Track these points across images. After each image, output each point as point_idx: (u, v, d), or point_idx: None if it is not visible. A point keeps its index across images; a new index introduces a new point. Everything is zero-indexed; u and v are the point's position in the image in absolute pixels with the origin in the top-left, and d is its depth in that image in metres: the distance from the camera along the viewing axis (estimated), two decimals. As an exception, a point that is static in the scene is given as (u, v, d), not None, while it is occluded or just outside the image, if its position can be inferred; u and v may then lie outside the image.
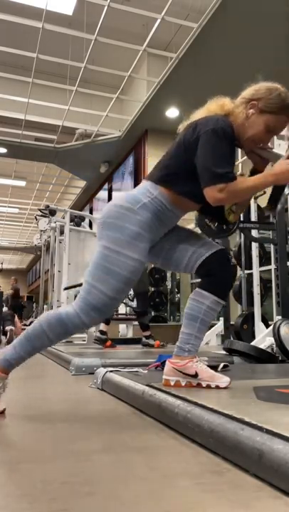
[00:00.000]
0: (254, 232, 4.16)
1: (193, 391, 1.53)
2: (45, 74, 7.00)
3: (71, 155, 8.87)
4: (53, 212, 6.65)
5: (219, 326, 4.67)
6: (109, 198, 9.71)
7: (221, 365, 2.15)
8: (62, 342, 5.75)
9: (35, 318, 13.90)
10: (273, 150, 1.65)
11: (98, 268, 1.51)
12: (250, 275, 4.23)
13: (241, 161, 4.51)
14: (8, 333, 7.61)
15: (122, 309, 6.40)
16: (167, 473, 0.97)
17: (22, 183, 12.06)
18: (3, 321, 7.67)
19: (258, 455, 0.92)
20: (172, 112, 7.34)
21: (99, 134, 8.25)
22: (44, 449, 1.17)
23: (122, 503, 0.82)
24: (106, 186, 10.08)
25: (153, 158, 7.78)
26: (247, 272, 4.40)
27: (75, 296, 5.92)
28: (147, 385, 1.63)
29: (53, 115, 7.92)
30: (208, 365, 1.64)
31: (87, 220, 7.44)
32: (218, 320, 4.68)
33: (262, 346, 3.21)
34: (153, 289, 7.36)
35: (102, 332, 4.40)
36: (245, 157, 1.70)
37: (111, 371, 2.10)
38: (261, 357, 2.84)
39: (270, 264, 4.37)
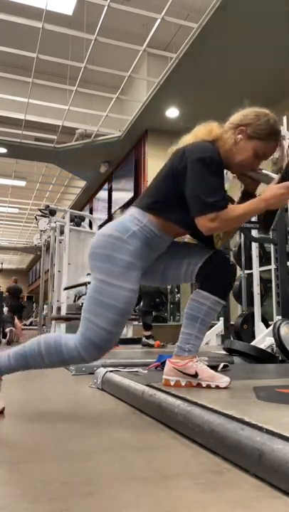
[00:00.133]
0: (254, 232, 4.16)
1: (193, 391, 1.53)
2: (45, 74, 7.00)
3: (71, 155, 8.87)
4: (53, 212, 6.65)
5: (219, 326, 4.67)
6: (109, 198, 9.71)
7: (221, 365, 2.15)
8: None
9: (35, 318, 13.92)
10: (263, 171, 1.64)
11: (93, 302, 1.50)
12: (250, 275, 4.23)
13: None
14: (8, 333, 7.61)
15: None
16: (167, 473, 0.97)
17: (22, 183, 12.07)
18: (3, 323, 7.68)
19: (258, 455, 0.92)
20: (172, 112, 7.34)
21: (99, 134, 8.25)
22: (44, 449, 1.17)
23: (122, 503, 0.82)
24: (106, 186, 10.08)
25: (153, 158, 7.78)
26: (247, 272, 4.40)
27: (75, 296, 5.95)
28: (147, 385, 1.63)
29: (53, 115, 7.92)
30: (208, 365, 1.64)
31: (87, 220, 7.44)
32: (218, 320, 4.68)
33: (262, 346, 3.21)
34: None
35: (147, 337, 4.51)
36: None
37: (111, 371, 2.10)
38: (261, 357, 2.84)
39: (270, 264, 4.37)
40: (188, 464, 1.04)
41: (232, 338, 3.99)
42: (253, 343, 3.32)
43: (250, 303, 4.24)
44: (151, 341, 4.73)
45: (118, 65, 6.66)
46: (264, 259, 4.55)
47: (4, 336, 7.64)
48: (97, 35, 5.78)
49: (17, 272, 22.24)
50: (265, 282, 4.44)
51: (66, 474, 0.97)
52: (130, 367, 2.25)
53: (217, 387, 1.57)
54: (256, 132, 1.57)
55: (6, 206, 13.85)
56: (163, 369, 1.67)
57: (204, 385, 1.58)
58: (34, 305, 17.29)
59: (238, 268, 4.59)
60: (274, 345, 3.03)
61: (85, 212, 9.90)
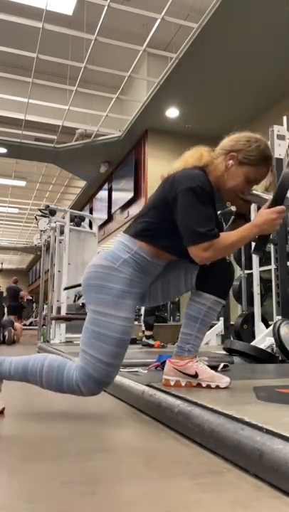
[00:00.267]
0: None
1: (193, 391, 1.53)
2: (45, 74, 6.99)
3: (71, 155, 8.86)
4: (53, 212, 6.65)
5: (219, 326, 4.67)
6: (109, 198, 9.71)
7: (221, 365, 2.15)
8: (63, 342, 5.76)
9: (35, 318, 13.91)
10: (255, 192, 1.63)
11: (89, 334, 1.48)
12: (250, 275, 4.23)
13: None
14: (7, 334, 7.62)
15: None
16: (167, 473, 0.97)
17: (22, 183, 12.06)
18: (3, 327, 7.69)
19: (258, 455, 0.92)
20: (172, 112, 7.34)
21: (99, 134, 8.24)
22: (44, 449, 1.17)
23: (122, 503, 0.82)
24: (106, 186, 10.08)
25: (153, 158, 7.78)
26: (247, 272, 4.40)
27: (75, 296, 5.95)
28: (147, 385, 1.63)
29: (53, 115, 7.91)
30: (208, 365, 1.64)
31: (87, 220, 7.44)
32: (218, 320, 4.68)
33: (262, 346, 3.20)
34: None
35: (147, 337, 4.54)
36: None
37: (111, 371, 2.10)
38: (261, 357, 2.83)
39: (270, 264, 4.37)
40: (188, 464, 1.04)
41: (232, 338, 3.99)
42: (253, 343, 3.31)
43: (250, 303, 4.24)
44: (151, 341, 4.73)
45: (118, 65, 6.66)
46: (264, 259, 4.54)
47: (4, 339, 7.65)
48: (97, 35, 5.77)
49: (17, 272, 22.23)
50: (265, 282, 4.44)
51: (66, 474, 0.97)
52: (130, 367, 2.25)
53: (217, 387, 1.57)
54: (247, 158, 1.56)
55: (6, 206, 13.84)
56: (163, 369, 1.68)
57: (204, 385, 1.58)
58: (34, 305, 17.28)
59: (238, 268, 4.59)
60: (274, 345, 3.03)
61: (85, 212, 9.89)
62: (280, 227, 3.40)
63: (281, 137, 3.45)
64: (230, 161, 1.57)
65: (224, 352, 3.17)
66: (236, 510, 0.78)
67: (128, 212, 8.57)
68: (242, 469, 0.97)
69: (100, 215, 10.15)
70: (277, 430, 0.94)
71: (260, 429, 0.98)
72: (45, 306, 7.88)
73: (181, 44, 5.81)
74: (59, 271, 6.36)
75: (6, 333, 7.63)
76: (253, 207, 1.64)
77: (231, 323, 4.34)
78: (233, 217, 1.74)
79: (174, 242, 1.54)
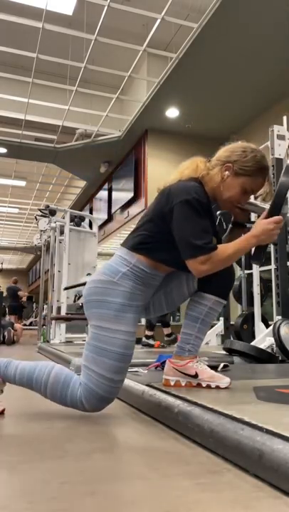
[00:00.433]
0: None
1: (193, 391, 1.53)
2: (45, 74, 6.99)
3: (71, 155, 8.86)
4: (53, 212, 6.65)
5: (219, 326, 4.68)
6: (109, 198, 9.71)
7: (221, 365, 2.15)
8: (63, 342, 5.76)
9: (35, 318, 13.91)
10: (253, 201, 1.63)
11: (91, 350, 1.48)
12: (250, 275, 4.23)
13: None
14: (7, 334, 7.62)
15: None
16: (167, 473, 0.97)
17: (22, 183, 12.06)
18: (3, 328, 7.70)
19: (258, 455, 0.92)
20: (172, 112, 7.34)
21: (99, 134, 8.24)
22: (44, 449, 1.17)
23: (122, 503, 0.82)
24: (106, 186, 10.08)
25: (153, 158, 7.78)
26: (247, 272, 4.40)
27: (75, 296, 5.95)
28: (147, 385, 1.63)
29: (53, 115, 7.91)
30: (208, 365, 1.64)
31: (87, 220, 7.44)
32: (218, 320, 4.68)
33: (262, 346, 3.21)
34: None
35: (147, 337, 4.56)
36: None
37: (111, 371, 2.10)
38: (261, 357, 2.84)
39: (270, 264, 4.37)
40: (188, 464, 1.04)
41: (232, 338, 3.99)
42: (253, 343, 3.32)
43: (250, 303, 4.24)
44: (151, 341, 4.73)
45: (118, 65, 6.66)
46: (264, 259, 4.54)
47: (4, 339, 7.66)
48: (97, 35, 5.78)
49: (17, 272, 22.24)
50: (265, 282, 4.44)
51: (66, 474, 0.97)
52: (130, 367, 2.25)
53: (217, 387, 1.57)
54: (243, 169, 1.55)
55: (6, 206, 13.84)
56: (163, 369, 1.68)
57: (204, 385, 1.58)
58: (34, 305, 17.28)
59: (238, 268, 4.60)
60: (274, 345, 3.03)
61: (85, 212, 9.89)
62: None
63: (281, 137, 3.45)
64: (226, 172, 1.57)
65: (224, 352, 3.17)
66: (236, 510, 0.78)
67: (128, 212, 8.57)
68: (242, 469, 0.97)
69: (100, 215, 10.15)
70: (277, 430, 0.94)
71: (260, 429, 0.98)
72: (45, 306, 7.88)
73: (181, 44, 5.81)
74: (59, 271, 6.36)
75: (6, 334, 7.64)
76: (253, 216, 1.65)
77: (231, 323, 4.34)
78: (230, 225, 1.73)
79: (171, 255, 1.53)
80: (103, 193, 10.35)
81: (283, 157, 3.43)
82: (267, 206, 1.54)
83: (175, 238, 1.51)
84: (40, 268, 9.81)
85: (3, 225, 16.38)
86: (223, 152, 1.62)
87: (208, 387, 1.57)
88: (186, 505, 0.80)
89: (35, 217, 8.11)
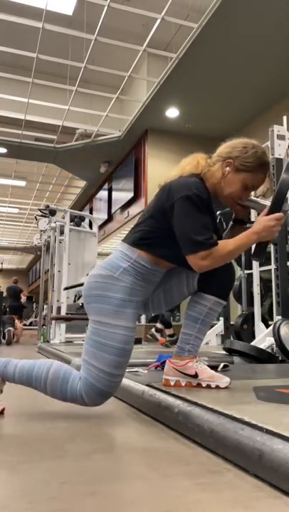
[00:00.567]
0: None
1: (193, 391, 1.53)
2: (45, 74, 7.00)
3: (71, 155, 8.87)
4: (53, 212, 6.65)
5: (219, 326, 4.68)
6: (109, 198, 9.71)
7: (221, 365, 2.15)
8: (63, 342, 5.76)
9: (35, 318, 13.91)
10: (254, 198, 1.63)
11: (91, 344, 1.48)
12: (250, 275, 4.23)
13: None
14: (7, 334, 7.62)
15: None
16: (167, 473, 0.97)
17: (22, 183, 12.06)
18: (3, 324, 7.69)
19: (258, 455, 0.92)
20: (172, 112, 7.34)
21: (99, 134, 8.25)
22: (44, 449, 1.17)
23: (122, 503, 0.82)
24: (106, 186, 10.08)
25: (153, 158, 7.78)
26: (247, 272, 4.40)
27: (75, 296, 5.95)
28: (147, 385, 1.63)
29: (53, 115, 7.92)
30: (208, 365, 1.64)
31: (87, 220, 7.44)
32: (218, 320, 4.68)
33: (262, 346, 3.21)
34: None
35: (170, 335, 4.59)
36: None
37: (111, 371, 2.10)
38: (261, 357, 2.83)
39: (270, 264, 4.37)
40: (188, 464, 1.04)
41: (232, 338, 3.99)
42: (253, 343, 3.32)
43: (250, 303, 4.24)
44: (158, 336, 4.76)
45: (118, 65, 6.66)
46: (264, 259, 4.54)
47: (4, 337, 7.65)
48: (97, 35, 5.78)
49: (17, 272, 22.24)
50: (265, 282, 4.44)
51: (66, 474, 0.97)
52: (130, 367, 2.25)
53: (217, 387, 1.57)
54: (244, 165, 1.55)
55: (6, 206, 13.85)
56: (163, 369, 1.68)
57: (204, 385, 1.58)
58: (34, 305, 17.29)
59: (238, 268, 4.60)
60: (274, 345, 3.03)
61: (85, 212, 9.89)
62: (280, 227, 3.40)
63: (281, 137, 3.45)
64: (227, 168, 1.57)
65: (224, 352, 3.17)
66: (236, 510, 0.78)
67: (128, 212, 8.57)
68: (242, 469, 0.97)
69: (100, 215, 10.16)
70: (277, 430, 0.94)
71: (260, 429, 0.98)
72: (45, 306, 7.88)
73: (181, 44, 5.81)
74: (59, 271, 6.35)
75: (6, 332, 7.64)
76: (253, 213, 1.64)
77: (231, 323, 4.34)
78: (231, 222, 1.73)
79: (172, 251, 1.53)
80: (103, 193, 10.35)
81: (283, 157, 3.43)
82: (268, 203, 1.54)
83: (176, 234, 1.51)
84: (40, 268, 9.81)
85: (3, 225, 16.38)
86: (224, 148, 1.62)
87: (208, 387, 1.57)
88: (186, 505, 0.80)
89: (35, 217, 8.10)
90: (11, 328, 7.72)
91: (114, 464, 1.05)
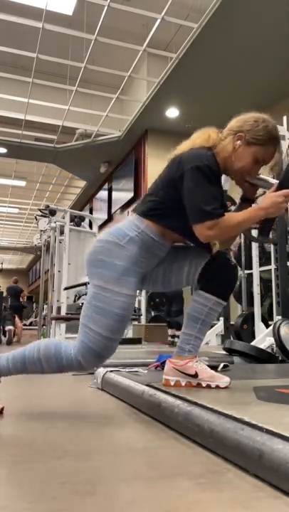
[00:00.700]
0: (254, 232, 4.15)
1: (193, 391, 1.53)
2: (45, 74, 7.00)
3: (71, 155, 8.87)
4: (53, 212, 6.65)
5: (219, 326, 4.68)
6: (109, 198, 9.71)
7: (221, 365, 2.15)
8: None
9: (35, 318, 13.90)
10: (262, 176, 1.63)
11: (90, 308, 1.49)
12: (250, 275, 4.23)
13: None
14: (7, 333, 7.62)
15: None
16: (167, 473, 0.97)
17: (22, 183, 12.07)
18: (4, 320, 7.69)
19: (258, 455, 0.92)
20: (172, 112, 7.35)
21: (99, 134, 8.25)
22: (44, 449, 1.17)
23: (122, 503, 0.82)
24: (106, 186, 10.08)
25: (153, 158, 7.78)
26: (247, 272, 4.40)
27: (75, 296, 5.95)
28: (147, 385, 1.63)
29: (53, 115, 7.92)
30: (208, 365, 1.64)
31: (87, 220, 7.44)
32: (218, 320, 4.68)
33: (262, 346, 3.21)
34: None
35: (173, 336, 4.60)
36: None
37: (111, 371, 2.10)
38: (261, 357, 2.83)
39: (270, 264, 4.37)
40: (188, 464, 1.04)
41: (232, 338, 3.99)
42: (253, 343, 3.32)
43: (250, 303, 4.24)
44: (176, 340, 4.77)
45: (118, 65, 6.67)
46: (264, 259, 4.54)
47: (5, 334, 7.65)
48: (97, 35, 5.78)
49: (17, 272, 22.24)
50: (265, 282, 4.44)
51: (66, 474, 0.97)
52: (130, 367, 2.25)
53: (217, 387, 1.57)
54: (255, 138, 1.56)
55: (6, 206, 13.85)
56: (163, 369, 1.67)
57: (204, 385, 1.58)
58: (34, 305, 17.28)
59: (238, 268, 4.60)
60: (274, 345, 3.03)
61: (85, 212, 9.89)
62: (280, 227, 3.41)
63: (281, 137, 3.45)
64: (238, 142, 1.57)
65: (224, 352, 3.17)
66: (236, 510, 0.78)
67: (128, 212, 8.57)
68: (242, 469, 0.97)
69: (100, 215, 10.15)
70: (277, 430, 0.94)
71: (260, 429, 0.98)
72: (45, 306, 7.88)
73: (181, 44, 5.81)
74: (59, 271, 6.35)
75: (7, 332, 7.64)
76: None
77: (231, 323, 4.34)
78: (239, 201, 1.73)
79: (180, 222, 1.54)
80: (103, 193, 10.35)
81: (283, 157, 3.42)
82: (276, 182, 1.55)
83: (184, 204, 1.52)
84: (40, 268, 9.81)
85: (3, 225, 16.39)
86: (235, 122, 1.63)
87: (208, 386, 1.57)
88: (186, 505, 0.80)
89: (35, 217, 8.10)
90: (11, 328, 7.72)
91: (114, 464, 1.05)
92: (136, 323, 6.38)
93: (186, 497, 0.84)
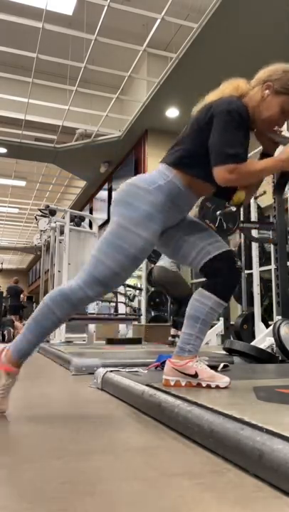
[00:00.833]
0: (254, 232, 4.16)
1: (193, 391, 1.53)
2: (45, 74, 7.00)
3: (71, 155, 8.87)
4: (53, 212, 6.64)
5: (219, 326, 4.68)
6: (109, 198, 9.71)
7: (221, 365, 2.15)
8: (63, 342, 5.76)
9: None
10: (283, 133, 1.64)
11: (107, 243, 1.52)
12: (250, 275, 4.23)
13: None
14: (6, 334, 7.62)
15: (122, 309, 6.40)
16: (167, 473, 0.97)
17: (22, 183, 12.07)
18: (4, 326, 7.69)
19: (258, 455, 0.92)
20: (172, 112, 7.35)
21: (99, 134, 8.25)
22: (44, 449, 1.17)
23: (122, 503, 0.82)
24: (106, 186, 10.08)
25: (153, 158, 7.78)
26: (247, 272, 4.40)
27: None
28: (147, 385, 1.63)
29: (53, 115, 7.92)
30: (208, 365, 1.64)
31: (87, 220, 7.44)
32: (218, 320, 4.68)
33: (262, 346, 3.21)
34: (153, 289, 7.37)
35: (174, 336, 4.59)
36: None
37: (111, 371, 2.10)
38: (261, 357, 2.83)
39: (270, 264, 4.37)
40: (188, 464, 1.04)
41: (232, 338, 3.99)
42: (253, 343, 3.32)
43: (250, 303, 4.24)
44: (177, 339, 4.77)
45: (118, 65, 6.67)
46: (264, 259, 4.54)
47: (4, 339, 7.66)
48: (97, 35, 5.78)
49: (17, 272, 22.24)
50: (265, 282, 4.44)
51: (66, 474, 0.97)
52: (130, 367, 2.25)
53: (217, 387, 1.57)
54: (284, 87, 1.57)
55: (6, 206, 13.85)
56: (163, 369, 1.67)
57: (204, 385, 1.58)
58: (34, 305, 17.28)
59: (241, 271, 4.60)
60: (274, 345, 3.03)
61: (85, 212, 9.89)
62: (280, 227, 3.41)
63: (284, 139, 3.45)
64: (267, 91, 1.58)
65: (224, 352, 3.17)
66: (236, 510, 0.78)
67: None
68: (242, 469, 0.97)
69: (100, 215, 10.16)
70: (277, 430, 0.94)
71: (260, 429, 0.98)
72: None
73: (181, 44, 5.81)
74: (59, 271, 6.35)
75: (6, 333, 7.64)
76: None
77: (231, 323, 4.34)
78: (259, 157, 1.74)
79: (206, 171, 1.54)
80: (103, 193, 10.35)
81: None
82: None
83: (209, 145, 1.52)
84: (40, 268, 9.82)
85: (3, 225, 16.39)
86: (263, 73, 1.64)
87: (208, 386, 1.57)
88: (187, 505, 0.80)
89: (35, 217, 8.10)
90: (10, 329, 7.73)
91: (114, 463, 1.05)
92: (136, 323, 6.38)
93: (186, 497, 0.84)
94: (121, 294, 6.40)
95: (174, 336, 4.79)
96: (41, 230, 8.00)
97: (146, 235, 1.51)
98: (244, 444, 0.97)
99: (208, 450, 1.12)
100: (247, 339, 3.80)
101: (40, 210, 7.48)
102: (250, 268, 4.24)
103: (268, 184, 3.65)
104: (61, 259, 6.33)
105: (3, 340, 7.64)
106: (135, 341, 5.29)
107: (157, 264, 4.57)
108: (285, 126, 1.64)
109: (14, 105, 7.63)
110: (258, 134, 1.67)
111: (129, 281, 7.07)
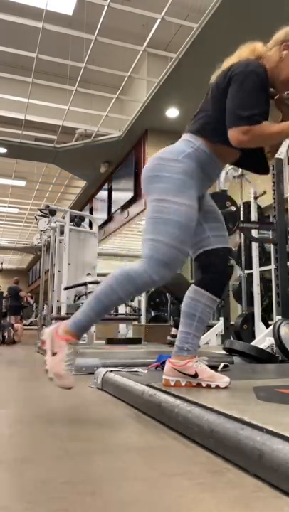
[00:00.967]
0: (254, 232, 4.16)
1: (193, 391, 1.53)
2: (45, 74, 6.99)
3: (71, 155, 8.86)
4: (53, 212, 6.65)
5: (219, 326, 4.67)
6: (110, 198, 9.70)
7: (221, 365, 2.15)
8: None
9: (36, 318, 13.90)
10: None
11: (153, 222, 1.52)
12: (250, 275, 4.23)
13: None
14: (7, 334, 7.62)
15: (122, 309, 6.41)
16: (167, 473, 0.97)
17: (22, 183, 12.06)
18: (2, 328, 7.70)
19: (258, 455, 0.92)
20: (172, 112, 7.34)
21: (99, 134, 8.24)
22: (44, 449, 1.17)
23: (122, 503, 0.82)
24: (106, 186, 10.07)
25: (153, 158, 7.77)
26: (247, 272, 4.40)
27: (75, 296, 5.95)
28: (147, 385, 1.63)
29: (53, 115, 7.91)
30: (208, 365, 1.64)
31: (87, 220, 7.44)
32: (218, 320, 4.68)
33: (262, 346, 3.21)
34: (153, 289, 7.38)
35: (173, 336, 4.57)
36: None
37: (111, 371, 2.10)
38: (261, 357, 2.84)
39: (270, 264, 4.37)
40: (188, 464, 1.04)
41: (232, 338, 3.99)
42: (253, 343, 3.32)
43: (250, 303, 4.24)
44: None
45: (118, 65, 6.66)
46: (264, 259, 4.54)
47: (4, 340, 7.66)
48: (97, 35, 5.78)
49: (17, 272, 22.23)
50: (265, 282, 4.44)
51: (66, 474, 0.97)
52: (130, 367, 2.25)
53: (217, 387, 1.57)
54: None
55: (6, 206, 13.84)
56: (163, 369, 1.68)
57: (204, 385, 1.58)
58: (34, 305, 17.28)
59: (238, 268, 4.60)
60: (274, 345, 3.03)
61: (85, 212, 9.89)
62: (280, 227, 3.41)
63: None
64: (285, 52, 1.58)
65: (224, 352, 3.17)
66: (236, 510, 0.78)
67: (128, 212, 8.56)
68: (242, 469, 0.97)
69: (100, 215, 10.15)
70: (277, 430, 0.94)
71: (260, 429, 0.98)
72: (45, 306, 7.88)
73: (181, 44, 5.81)
74: (59, 271, 6.35)
75: (6, 334, 7.64)
76: None
77: (231, 323, 4.34)
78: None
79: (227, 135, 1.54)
80: (103, 193, 10.34)
81: (283, 157, 3.43)
82: None
83: (226, 106, 1.52)
84: (40, 268, 9.82)
85: (3, 225, 16.38)
86: (280, 33, 1.64)
87: (208, 386, 1.57)
88: (186, 505, 0.80)
89: (35, 217, 8.11)
90: (10, 328, 7.73)
91: (114, 463, 1.05)
92: (136, 323, 6.38)
93: (186, 497, 0.84)
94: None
95: (173, 336, 4.79)
96: (41, 230, 8.00)
97: (188, 201, 1.51)
98: (244, 444, 0.97)
99: (208, 450, 1.12)
100: (247, 339, 3.80)
101: (40, 210, 7.48)
102: (250, 268, 4.24)
103: (268, 184, 3.65)
104: (61, 259, 6.33)
105: (4, 341, 7.64)
106: (135, 341, 5.29)
107: None
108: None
109: (14, 105, 7.63)
110: (278, 102, 1.65)
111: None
